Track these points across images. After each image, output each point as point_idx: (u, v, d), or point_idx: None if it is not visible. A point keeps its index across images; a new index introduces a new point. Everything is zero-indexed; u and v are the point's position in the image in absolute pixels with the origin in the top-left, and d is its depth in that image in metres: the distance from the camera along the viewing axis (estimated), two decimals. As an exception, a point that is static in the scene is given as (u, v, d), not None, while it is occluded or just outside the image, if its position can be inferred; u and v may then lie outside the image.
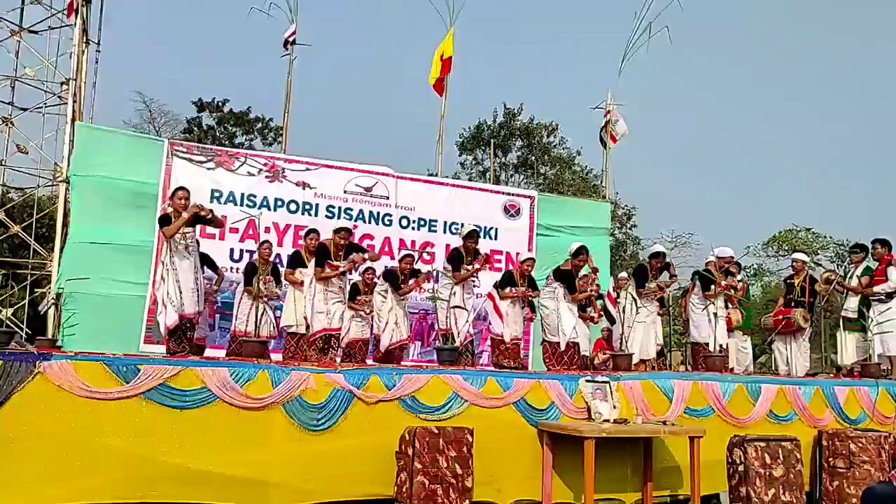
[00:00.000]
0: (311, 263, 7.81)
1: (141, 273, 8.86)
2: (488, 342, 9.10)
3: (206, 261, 7.89)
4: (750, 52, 67.09)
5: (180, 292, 6.78)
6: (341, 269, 7.60)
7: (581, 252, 8.01)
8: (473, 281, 8.42)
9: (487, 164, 26.91)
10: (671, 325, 9.92)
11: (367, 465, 5.57)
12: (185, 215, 6.73)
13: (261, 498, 5.29)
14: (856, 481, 6.64)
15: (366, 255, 7.98)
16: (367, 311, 8.33)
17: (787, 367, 8.87)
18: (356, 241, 10.49)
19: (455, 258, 8.16)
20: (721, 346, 8.05)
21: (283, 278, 8.35)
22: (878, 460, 6.73)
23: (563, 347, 7.91)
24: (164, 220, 6.88)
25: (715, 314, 8.17)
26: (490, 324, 8.58)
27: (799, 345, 8.86)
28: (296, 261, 8.19)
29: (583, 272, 8.31)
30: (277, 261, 9.17)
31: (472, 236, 8.28)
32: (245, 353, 5.97)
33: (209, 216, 6.94)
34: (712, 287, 8.26)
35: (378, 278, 8.49)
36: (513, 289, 8.30)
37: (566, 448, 5.96)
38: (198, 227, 7.18)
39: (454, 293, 7.92)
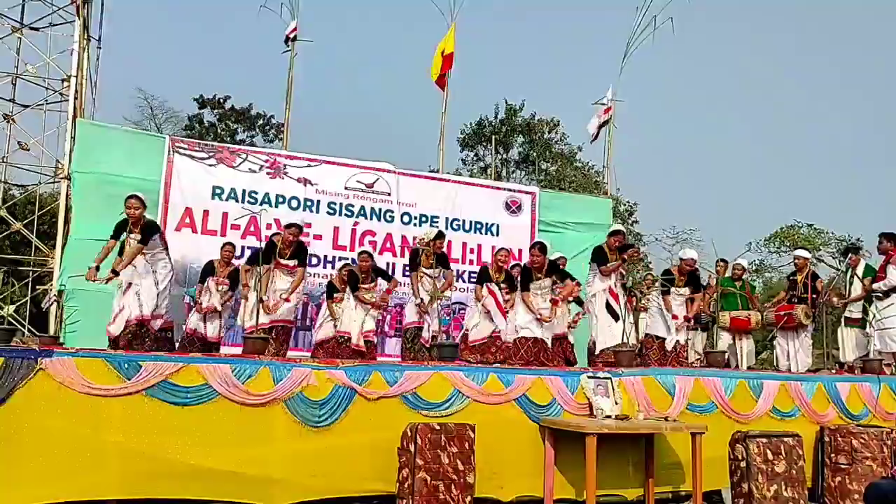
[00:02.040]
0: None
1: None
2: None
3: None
4: (753, 48, 66.99)
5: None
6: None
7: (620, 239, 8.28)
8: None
9: (489, 161, 26.89)
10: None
11: (368, 461, 5.57)
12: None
13: (263, 494, 5.29)
14: (858, 477, 6.63)
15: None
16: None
17: (788, 363, 8.87)
18: (358, 237, 10.56)
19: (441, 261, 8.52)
20: (678, 341, 8.47)
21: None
22: (880, 456, 6.72)
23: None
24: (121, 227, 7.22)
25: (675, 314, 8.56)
26: (488, 312, 8.45)
27: (801, 341, 8.86)
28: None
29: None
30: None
31: (441, 237, 8.60)
32: (247, 350, 5.97)
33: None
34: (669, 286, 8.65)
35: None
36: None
37: (568, 444, 5.95)
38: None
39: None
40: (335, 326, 8.55)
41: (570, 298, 8.69)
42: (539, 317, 7.79)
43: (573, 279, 8.36)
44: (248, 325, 7.64)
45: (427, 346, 8.25)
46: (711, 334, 9.62)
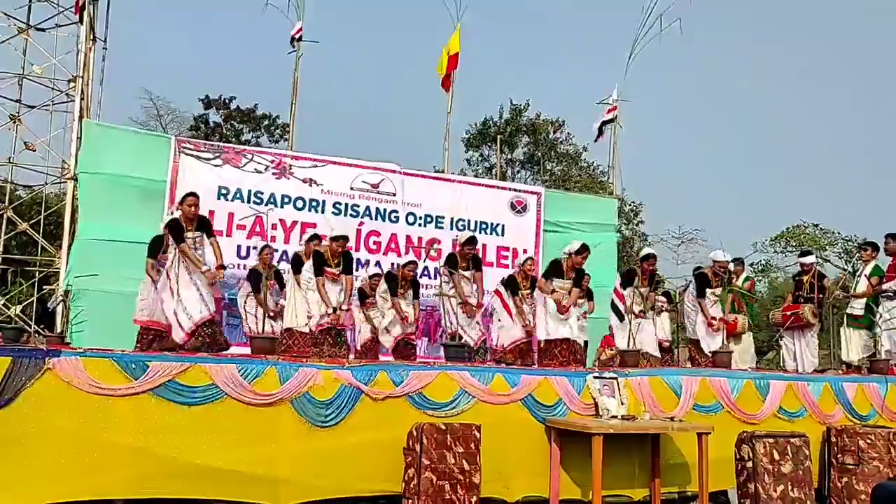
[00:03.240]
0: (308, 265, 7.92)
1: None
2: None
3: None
4: (760, 47, 66.88)
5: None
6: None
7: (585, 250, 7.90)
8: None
9: (494, 161, 26.91)
10: (678, 321, 9.88)
11: (374, 461, 5.57)
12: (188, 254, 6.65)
13: (269, 494, 5.30)
14: (865, 478, 6.61)
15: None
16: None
17: (794, 363, 8.84)
18: (363, 237, 10.59)
19: (451, 262, 8.36)
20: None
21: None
22: (887, 457, 6.70)
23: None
24: (176, 228, 6.68)
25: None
26: (500, 319, 8.45)
27: (807, 341, 8.83)
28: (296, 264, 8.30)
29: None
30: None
31: (472, 243, 8.36)
32: (254, 350, 5.98)
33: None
34: (707, 291, 8.40)
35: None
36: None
37: (574, 444, 5.95)
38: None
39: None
40: (371, 330, 8.69)
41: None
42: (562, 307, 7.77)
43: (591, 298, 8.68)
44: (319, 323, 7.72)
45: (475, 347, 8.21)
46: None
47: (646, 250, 8.71)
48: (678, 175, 53.06)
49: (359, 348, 8.72)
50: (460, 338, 7.84)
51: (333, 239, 7.87)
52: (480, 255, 9.32)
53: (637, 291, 8.28)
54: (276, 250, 9.93)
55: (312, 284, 7.74)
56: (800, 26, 66.61)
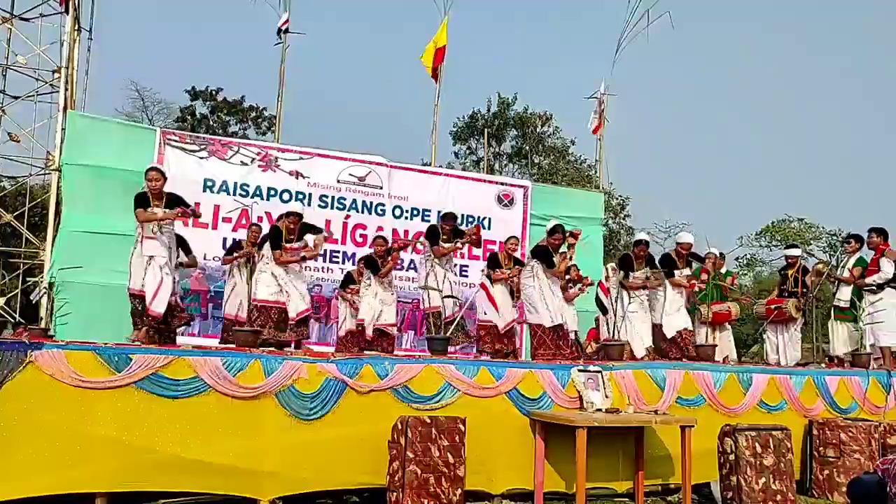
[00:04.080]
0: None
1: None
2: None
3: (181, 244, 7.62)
4: (745, 41, 67.11)
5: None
6: (301, 255, 7.57)
7: (556, 230, 7.77)
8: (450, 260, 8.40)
9: (481, 154, 26.95)
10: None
11: (359, 454, 5.58)
12: (168, 213, 6.67)
13: (254, 487, 5.30)
14: (846, 470, 6.69)
15: (325, 235, 7.99)
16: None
17: (777, 357, 8.90)
18: (349, 230, 10.58)
19: (432, 234, 8.24)
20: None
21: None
22: (867, 449, 6.78)
23: (547, 326, 7.59)
24: (142, 201, 6.65)
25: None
26: (485, 312, 8.42)
27: (790, 335, 8.88)
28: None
29: (561, 249, 7.99)
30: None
31: (448, 219, 8.35)
32: (237, 342, 5.96)
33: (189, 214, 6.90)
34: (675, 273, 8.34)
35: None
36: (500, 270, 8.16)
37: (558, 437, 5.98)
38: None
39: (432, 272, 8.05)
40: (353, 317, 8.64)
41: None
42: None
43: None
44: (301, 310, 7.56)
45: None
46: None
47: (638, 235, 8.69)
48: (665, 169, 53.25)
49: (339, 336, 8.70)
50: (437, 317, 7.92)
51: (285, 215, 7.69)
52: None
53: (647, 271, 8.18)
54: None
55: (270, 258, 7.57)
56: (786, 20, 66.90)
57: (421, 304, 8.91)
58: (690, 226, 24.61)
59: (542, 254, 7.70)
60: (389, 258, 8.43)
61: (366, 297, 8.41)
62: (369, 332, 8.26)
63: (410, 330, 10.52)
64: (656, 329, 8.28)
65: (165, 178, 6.90)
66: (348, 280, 8.94)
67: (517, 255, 8.47)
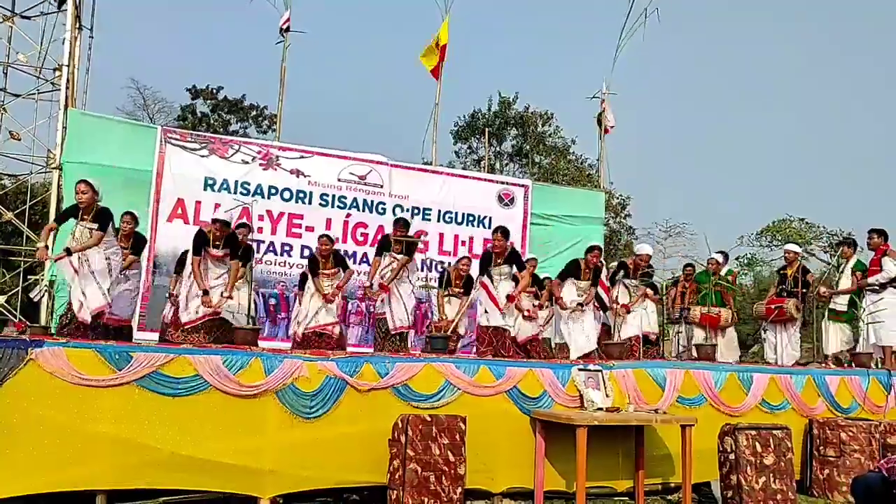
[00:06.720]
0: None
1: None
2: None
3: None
4: (745, 40, 67.06)
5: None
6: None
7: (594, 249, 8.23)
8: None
9: (482, 153, 26.87)
10: (665, 314, 9.91)
11: (359, 452, 5.58)
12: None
13: (254, 485, 5.30)
14: (846, 470, 6.69)
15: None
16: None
17: (776, 356, 8.90)
18: (350, 228, 10.57)
19: (384, 242, 8.29)
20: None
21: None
22: (868, 449, 6.79)
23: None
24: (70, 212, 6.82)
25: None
26: (486, 311, 8.37)
27: (790, 334, 8.89)
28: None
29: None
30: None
31: (399, 225, 8.26)
32: (237, 341, 5.95)
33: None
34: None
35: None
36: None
37: (558, 436, 5.98)
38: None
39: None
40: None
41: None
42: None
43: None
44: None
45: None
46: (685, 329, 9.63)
47: (592, 242, 9.04)
48: (666, 168, 53.23)
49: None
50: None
51: (213, 221, 7.33)
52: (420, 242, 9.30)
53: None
54: (263, 241, 9.96)
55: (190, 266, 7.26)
56: (787, 19, 66.85)
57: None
58: (691, 224, 24.58)
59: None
60: (336, 286, 7.95)
61: (304, 297, 8.07)
62: (299, 331, 7.84)
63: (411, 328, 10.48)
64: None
65: (96, 192, 6.76)
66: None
67: (499, 249, 8.24)
